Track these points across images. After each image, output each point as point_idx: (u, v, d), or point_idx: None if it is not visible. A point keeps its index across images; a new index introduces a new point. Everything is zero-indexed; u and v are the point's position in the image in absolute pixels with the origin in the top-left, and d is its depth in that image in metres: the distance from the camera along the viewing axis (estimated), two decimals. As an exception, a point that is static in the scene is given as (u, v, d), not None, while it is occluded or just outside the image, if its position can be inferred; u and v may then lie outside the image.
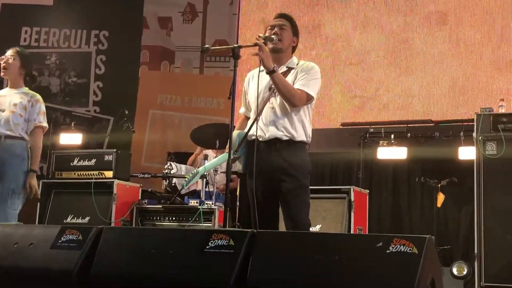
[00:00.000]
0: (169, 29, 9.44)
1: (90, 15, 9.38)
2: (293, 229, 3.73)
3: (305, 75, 3.90)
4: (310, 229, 4.84)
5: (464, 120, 6.99)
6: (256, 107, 3.89)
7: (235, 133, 3.91)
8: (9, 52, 5.06)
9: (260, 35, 3.88)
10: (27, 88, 5.08)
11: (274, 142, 3.84)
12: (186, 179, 4.16)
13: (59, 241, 3.21)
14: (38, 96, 5.05)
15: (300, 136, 3.87)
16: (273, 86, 3.85)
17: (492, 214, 5.33)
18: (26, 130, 4.95)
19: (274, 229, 3.79)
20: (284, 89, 3.80)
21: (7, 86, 5.13)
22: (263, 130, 3.87)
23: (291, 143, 3.85)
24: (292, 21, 4.08)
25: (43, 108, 5.04)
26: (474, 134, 5.49)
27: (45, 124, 5.02)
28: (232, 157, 3.70)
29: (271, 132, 3.85)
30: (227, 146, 3.76)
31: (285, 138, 3.84)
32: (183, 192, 6.20)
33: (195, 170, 4.04)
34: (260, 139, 3.85)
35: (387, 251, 2.58)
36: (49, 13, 9.44)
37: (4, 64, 5.02)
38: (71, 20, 9.40)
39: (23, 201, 4.91)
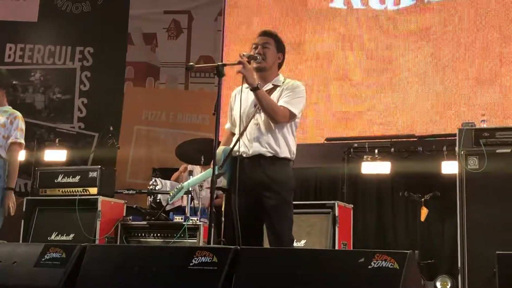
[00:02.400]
0: (154, 45, 9.47)
1: (74, 32, 9.39)
2: (277, 245, 3.74)
3: (290, 93, 3.93)
4: (295, 244, 4.85)
5: (447, 135, 7.03)
6: (240, 123, 3.92)
7: (220, 149, 3.93)
8: None
9: (244, 53, 3.90)
10: (9, 107, 5.09)
11: (258, 158, 3.86)
12: (171, 194, 4.17)
13: (43, 259, 3.22)
14: (18, 114, 5.05)
15: (283, 152, 3.90)
16: (257, 102, 3.88)
17: (475, 228, 5.36)
18: (4, 147, 4.93)
19: (258, 246, 3.80)
20: (267, 106, 3.83)
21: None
22: (247, 146, 3.89)
23: (275, 159, 3.87)
24: (276, 37, 4.09)
25: (22, 126, 5.02)
26: (457, 149, 5.53)
27: (21, 141, 4.98)
28: (217, 173, 3.72)
29: (255, 148, 3.87)
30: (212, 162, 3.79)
31: (268, 154, 3.86)
32: (168, 208, 6.19)
33: (179, 185, 4.05)
34: (244, 155, 3.87)
35: (369, 267, 2.61)
36: (34, 30, 9.45)
37: None
38: (55, 37, 9.41)
39: (1, 219, 4.87)
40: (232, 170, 3.87)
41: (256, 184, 3.82)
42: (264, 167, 3.85)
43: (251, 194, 3.81)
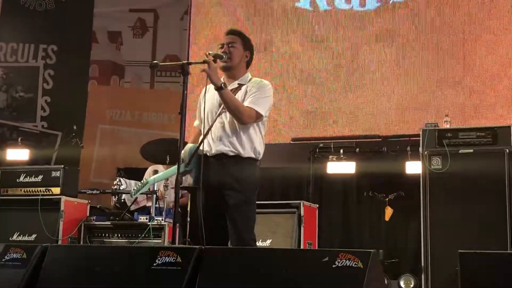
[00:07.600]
0: (119, 43, 9.38)
1: (38, 29, 9.24)
2: (238, 244, 3.75)
3: (256, 92, 3.92)
4: (260, 244, 4.84)
5: (411, 135, 7.09)
6: (206, 121, 3.90)
7: (187, 146, 3.93)
8: None
9: (210, 52, 3.89)
10: None
11: (221, 157, 3.86)
12: (135, 188, 4.12)
13: (3, 260, 3.17)
14: None
15: (247, 153, 3.89)
16: (222, 102, 3.87)
17: (438, 227, 5.43)
18: None
19: (223, 245, 3.79)
20: (233, 106, 3.81)
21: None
22: (211, 145, 3.89)
23: (238, 158, 3.87)
24: (243, 36, 4.09)
25: None
26: (420, 149, 5.60)
27: None
28: (183, 170, 3.70)
29: (218, 147, 3.88)
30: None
31: (231, 154, 3.86)
32: (132, 208, 6.14)
33: (144, 180, 4.01)
34: (208, 154, 3.86)
35: (333, 266, 2.62)
36: (-4, 27, 9.28)
37: None
38: (18, 34, 9.25)
39: None
40: (198, 168, 3.86)
41: (219, 183, 3.83)
42: (228, 166, 3.85)
43: (214, 193, 3.82)
